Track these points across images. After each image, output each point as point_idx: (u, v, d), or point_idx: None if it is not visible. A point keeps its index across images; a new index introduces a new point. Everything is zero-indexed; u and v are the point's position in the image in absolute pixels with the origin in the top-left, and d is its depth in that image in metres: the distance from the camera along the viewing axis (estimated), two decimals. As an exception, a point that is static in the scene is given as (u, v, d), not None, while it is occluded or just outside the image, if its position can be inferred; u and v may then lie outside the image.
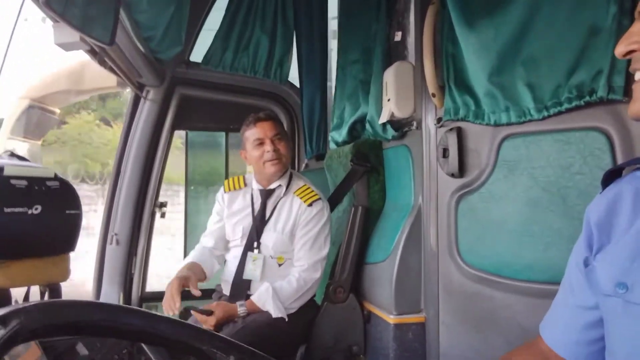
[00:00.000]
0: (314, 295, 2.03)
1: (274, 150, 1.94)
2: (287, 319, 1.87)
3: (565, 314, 0.79)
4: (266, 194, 2.04)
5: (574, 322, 0.76)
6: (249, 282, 1.98)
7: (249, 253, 1.99)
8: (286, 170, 2.04)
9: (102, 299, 2.48)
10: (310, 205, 1.97)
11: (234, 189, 2.09)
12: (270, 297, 1.85)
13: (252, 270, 1.97)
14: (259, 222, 2.02)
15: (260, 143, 1.96)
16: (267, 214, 2.03)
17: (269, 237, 1.99)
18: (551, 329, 0.81)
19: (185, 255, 3.06)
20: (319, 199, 1.99)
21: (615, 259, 0.67)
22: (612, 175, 0.74)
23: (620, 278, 0.65)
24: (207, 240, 2.10)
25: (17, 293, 1.43)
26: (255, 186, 2.06)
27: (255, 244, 2.00)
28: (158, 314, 0.64)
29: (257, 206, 2.05)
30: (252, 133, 1.98)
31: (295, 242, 1.99)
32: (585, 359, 0.76)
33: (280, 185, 2.03)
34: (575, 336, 0.76)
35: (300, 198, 1.99)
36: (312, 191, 2.01)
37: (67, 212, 1.53)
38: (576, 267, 0.76)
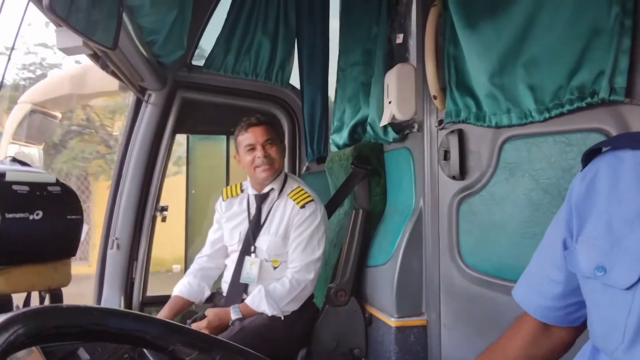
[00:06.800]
0: (312, 297, 2.03)
1: (265, 156, 1.95)
2: (283, 319, 1.88)
3: (540, 281, 0.82)
4: (261, 198, 2.06)
5: (546, 291, 0.80)
6: (245, 285, 1.99)
7: (247, 257, 2.01)
8: (279, 174, 2.05)
9: (103, 304, 2.48)
10: (302, 207, 1.97)
11: (232, 196, 2.14)
12: (264, 297, 1.87)
13: (248, 274, 1.98)
14: (255, 226, 2.04)
15: (252, 148, 1.98)
16: (263, 218, 2.04)
17: (263, 241, 2.01)
18: (525, 290, 0.85)
19: (186, 258, 3.09)
20: (312, 200, 1.99)
21: (595, 242, 0.69)
22: (591, 154, 0.75)
23: (599, 261, 0.67)
24: (202, 259, 2.14)
25: (17, 298, 1.43)
26: (251, 191, 2.09)
27: (252, 248, 2.01)
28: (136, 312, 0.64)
29: (253, 211, 2.07)
30: (244, 138, 2.00)
31: (289, 244, 2.00)
32: (554, 319, 0.81)
33: (273, 188, 2.04)
34: (547, 302, 0.80)
35: (294, 200, 1.99)
36: (305, 193, 2.01)
37: (69, 217, 1.52)
38: (559, 242, 0.78)
